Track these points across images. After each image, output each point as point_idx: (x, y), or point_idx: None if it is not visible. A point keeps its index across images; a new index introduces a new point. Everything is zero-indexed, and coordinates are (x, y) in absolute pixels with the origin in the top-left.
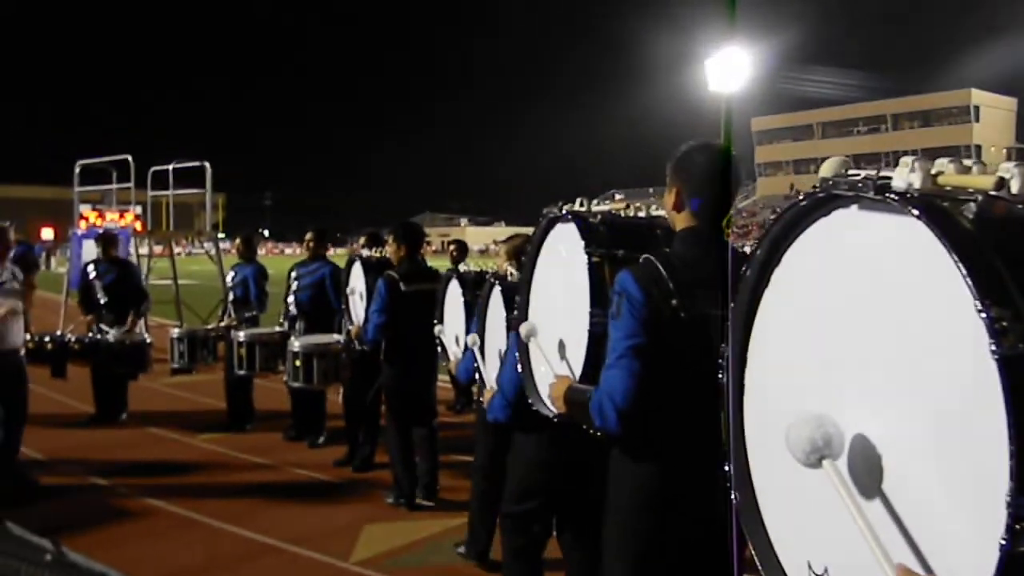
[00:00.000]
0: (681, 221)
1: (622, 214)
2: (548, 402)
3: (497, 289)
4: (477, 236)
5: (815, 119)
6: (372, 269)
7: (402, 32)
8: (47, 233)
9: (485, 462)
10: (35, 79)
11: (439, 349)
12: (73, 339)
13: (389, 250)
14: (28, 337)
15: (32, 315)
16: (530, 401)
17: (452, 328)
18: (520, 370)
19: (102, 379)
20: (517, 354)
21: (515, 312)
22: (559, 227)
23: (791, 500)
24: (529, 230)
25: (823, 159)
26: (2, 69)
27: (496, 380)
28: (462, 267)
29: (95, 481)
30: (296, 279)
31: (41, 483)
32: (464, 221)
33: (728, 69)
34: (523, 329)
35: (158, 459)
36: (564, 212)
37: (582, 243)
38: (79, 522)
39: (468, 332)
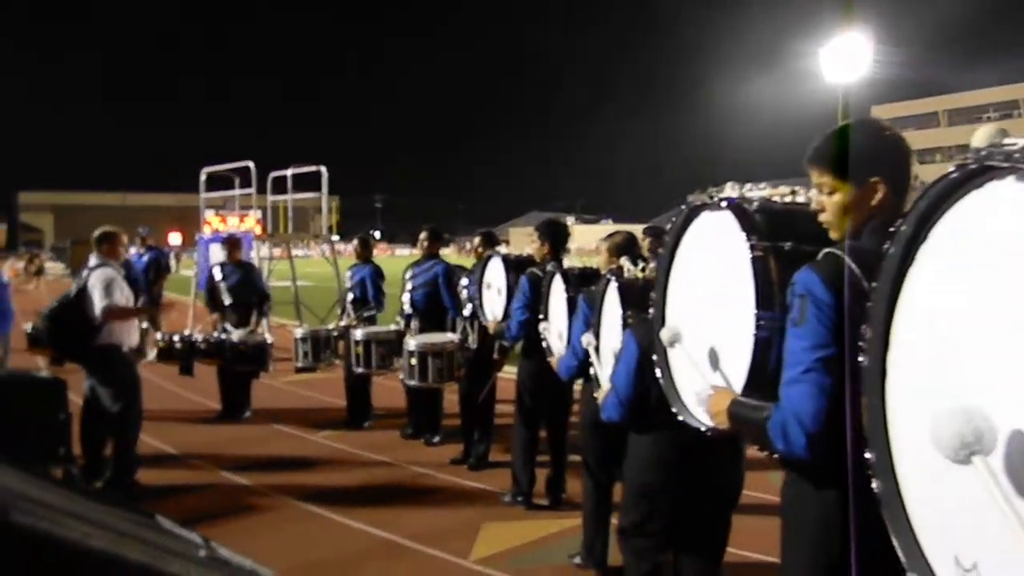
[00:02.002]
0: (868, 213)
1: (777, 200)
2: (701, 414)
3: (613, 285)
4: (583, 234)
5: (940, 106)
6: (514, 266)
7: (507, 31)
8: (175, 238)
9: (594, 464)
10: (165, 91)
11: (544, 346)
12: (200, 339)
13: (533, 247)
14: (159, 337)
15: (163, 315)
16: (674, 410)
17: (556, 325)
18: (660, 376)
19: (227, 377)
20: (656, 359)
21: (650, 311)
22: (706, 216)
23: (938, 490)
24: (637, 228)
25: (949, 148)
26: (138, 88)
27: (610, 378)
28: (566, 262)
29: (222, 475)
30: (411, 278)
31: (139, 484)
32: (570, 219)
33: (845, 57)
34: (665, 335)
35: (281, 455)
36: (717, 198)
37: (742, 234)
38: (207, 515)
39: (570, 329)
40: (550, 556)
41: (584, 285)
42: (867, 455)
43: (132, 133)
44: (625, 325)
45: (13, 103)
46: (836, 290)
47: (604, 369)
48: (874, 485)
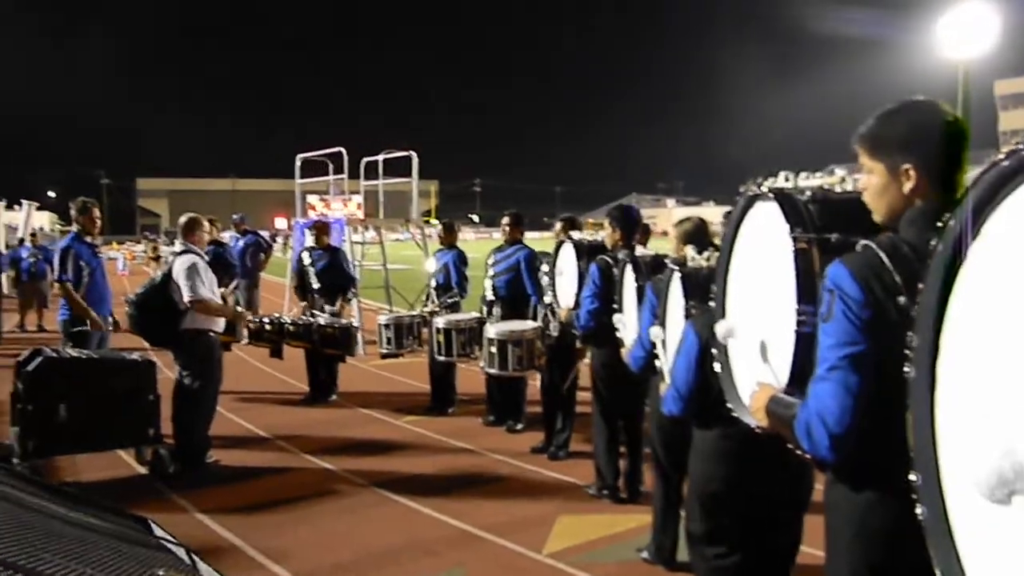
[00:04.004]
0: (904, 201)
1: (837, 189)
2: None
3: (677, 275)
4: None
5: None
6: (586, 253)
7: (605, 11)
8: (280, 222)
9: (664, 459)
10: (265, 79)
11: (617, 336)
12: (289, 322)
13: (605, 234)
14: (251, 319)
15: (242, 323)
16: (729, 406)
17: (628, 315)
18: (720, 371)
19: (315, 360)
20: (716, 352)
21: (711, 303)
22: (759, 207)
23: (993, 522)
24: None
25: None
26: (245, 76)
27: (670, 371)
28: (638, 251)
29: (306, 458)
30: (493, 264)
31: (218, 465)
32: (671, 202)
33: (966, 29)
34: (720, 328)
35: (364, 439)
36: (765, 189)
37: (786, 226)
38: (288, 497)
39: (640, 319)
40: (623, 551)
41: (656, 274)
42: (912, 477)
43: (240, 120)
44: (687, 316)
45: (130, 95)
46: (866, 285)
47: (669, 362)
48: (919, 511)
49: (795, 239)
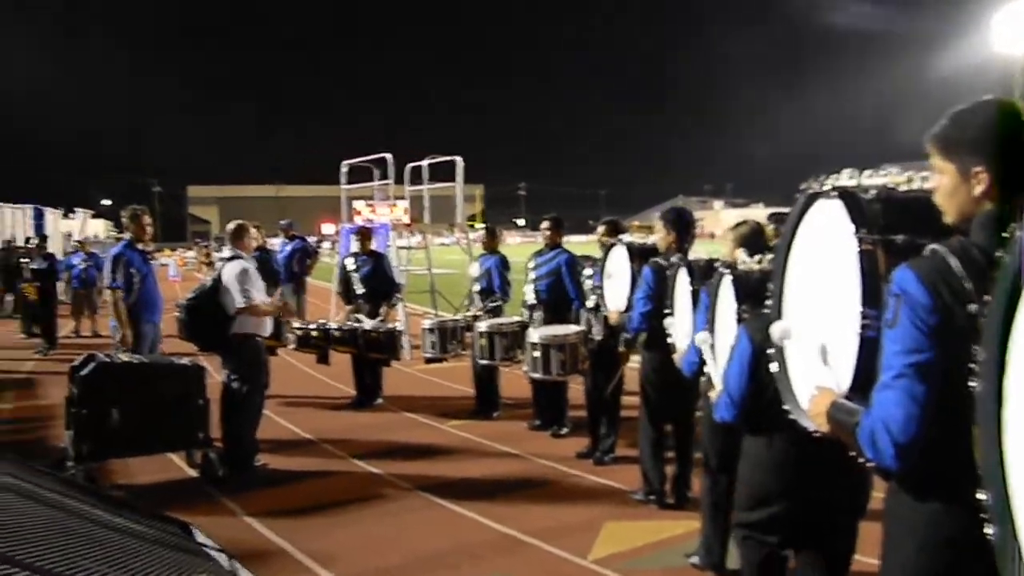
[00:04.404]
0: (974, 203)
1: (902, 188)
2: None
3: (727, 279)
4: (732, 220)
5: None
6: (638, 255)
7: (645, 9)
8: (327, 228)
9: (714, 464)
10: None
11: (669, 341)
12: (335, 327)
13: (657, 236)
14: (297, 325)
15: (306, 303)
16: (786, 408)
17: (681, 319)
18: (777, 373)
19: (360, 365)
20: (772, 353)
21: (764, 307)
22: (821, 205)
23: None
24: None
25: None
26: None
27: (722, 377)
28: (691, 255)
29: (352, 462)
30: (534, 268)
31: (266, 469)
32: (718, 204)
33: (1021, 24)
34: (776, 330)
35: (409, 443)
36: (829, 186)
37: (851, 225)
38: (334, 501)
39: (695, 323)
40: (670, 558)
41: (709, 277)
42: (980, 496)
43: (287, 128)
44: (739, 320)
45: (180, 105)
46: (934, 290)
47: (719, 367)
48: (988, 531)
49: (860, 240)
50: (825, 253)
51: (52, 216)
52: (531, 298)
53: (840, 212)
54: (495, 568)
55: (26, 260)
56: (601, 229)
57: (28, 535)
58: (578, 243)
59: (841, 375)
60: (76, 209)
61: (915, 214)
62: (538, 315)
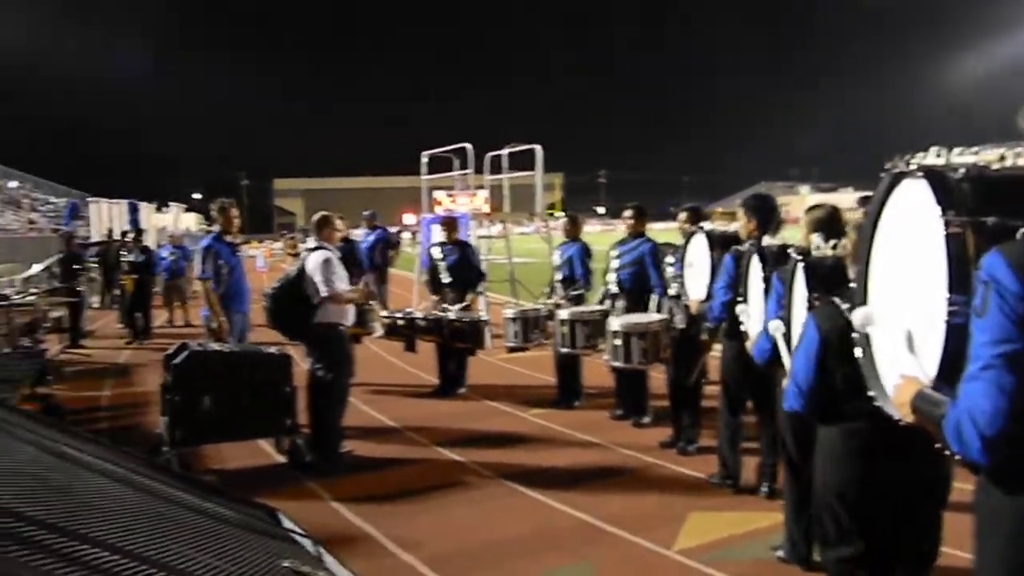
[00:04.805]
0: None
1: (994, 166)
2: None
3: (800, 266)
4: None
5: None
6: (719, 243)
7: None
8: (408, 218)
9: (795, 455)
10: (385, 78)
11: (741, 329)
12: (420, 316)
13: (739, 224)
14: (384, 314)
15: (389, 292)
16: (872, 394)
17: (754, 307)
18: (861, 359)
19: (445, 354)
20: (856, 337)
21: (834, 295)
22: (906, 185)
23: None
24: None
25: None
26: (370, 79)
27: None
28: (766, 240)
29: (435, 450)
30: (616, 257)
31: (351, 455)
32: (805, 188)
33: None
34: (858, 316)
35: (491, 431)
36: (915, 165)
37: (937, 207)
38: (418, 488)
39: (767, 310)
40: (757, 549)
41: (781, 263)
42: None
43: (368, 120)
44: (810, 308)
45: (267, 100)
46: None
47: (791, 356)
48: None
49: (947, 222)
50: (911, 236)
51: (146, 210)
52: (613, 287)
53: (926, 193)
54: (578, 556)
55: (123, 253)
56: (682, 216)
57: (120, 519)
58: (659, 231)
59: (927, 363)
60: (169, 203)
61: (1007, 194)
62: (620, 304)
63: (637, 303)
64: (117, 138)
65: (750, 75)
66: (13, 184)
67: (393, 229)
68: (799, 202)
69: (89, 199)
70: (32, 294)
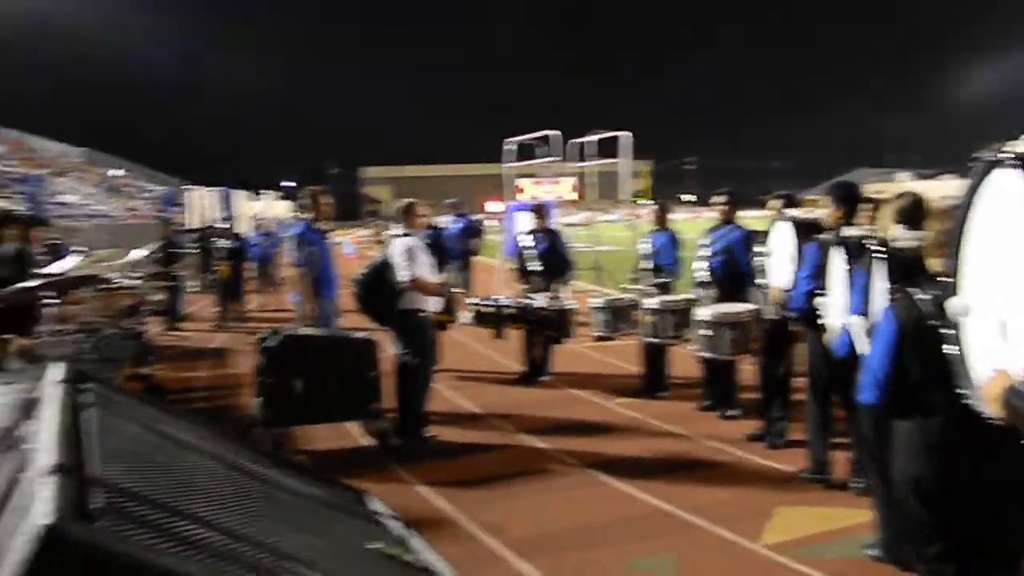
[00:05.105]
0: None
1: None
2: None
3: (879, 258)
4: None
5: None
6: (804, 231)
7: None
8: (492, 206)
9: (875, 450)
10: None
11: (819, 322)
12: (507, 304)
13: (824, 211)
14: (471, 302)
15: (473, 279)
16: (962, 389)
17: (837, 298)
18: (956, 351)
19: (531, 341)
20: (944, 330)
21: (912, 286)
22: (999, 174)
23: None
24: None
25: None
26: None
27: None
28: (848, 231)
29: (519, 437)
30: (708, 245)
31: (436, 440)
32: (904, 175)
33: None
34: (953, 306)
35: (575, 419)
36: (1006, 154)
37: None
38: (501, 474)
39: (850, 302)
40: (848, 547)
41: (862, 254)
42: None
43: (454, 109)
44: (891, 299)
45: (354, 90)
46: None
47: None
48: None
49: None
50: (1006, 226)
51: (239, 198)
52: (703, 275)
53: (1019, 181)
54: (663, 547)
55: (215, 240)
56: (775, 203)
57: (219, 498)
58: (749, 218)
59: (1021, 357)
60: (262, 191)
61: None
62: (710, 293)
63: (728, 292)
64: (214, 127)
65: (844, 55)
66: (117, 172)
67: (476, 217)
68: (896, 189)
69: (183, 187)
70: (134, 278)
